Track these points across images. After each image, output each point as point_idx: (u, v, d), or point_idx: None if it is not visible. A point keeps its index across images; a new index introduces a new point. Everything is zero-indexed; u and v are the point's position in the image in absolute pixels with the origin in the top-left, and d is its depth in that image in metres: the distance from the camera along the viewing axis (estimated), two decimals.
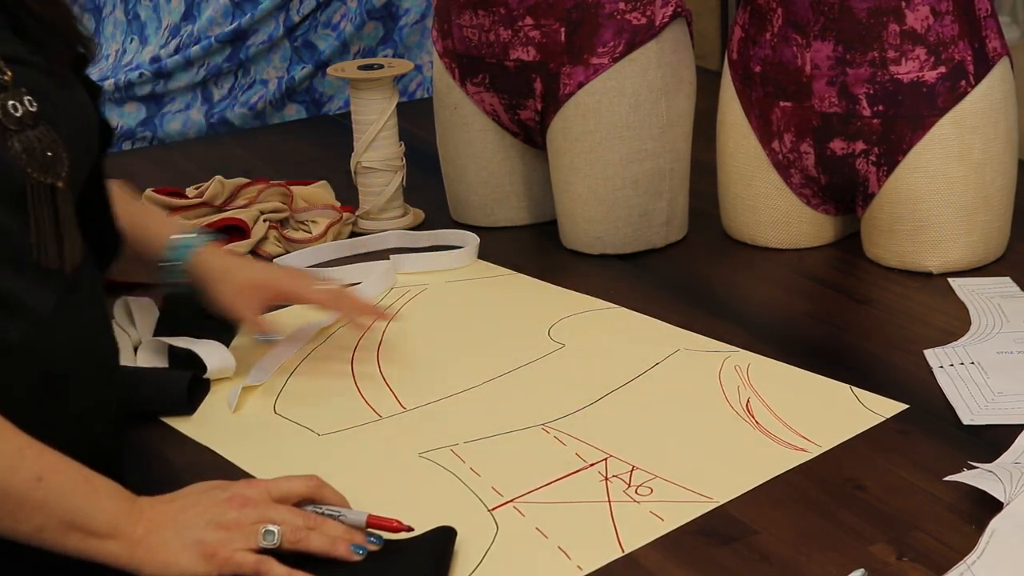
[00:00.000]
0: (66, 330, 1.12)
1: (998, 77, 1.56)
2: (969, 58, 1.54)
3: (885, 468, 1.18)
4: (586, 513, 1.14)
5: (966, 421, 1.24)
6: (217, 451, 1.26)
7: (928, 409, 1.28)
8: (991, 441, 1.20)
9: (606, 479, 1.18)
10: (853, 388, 1.33)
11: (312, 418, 1.31)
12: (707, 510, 1.13)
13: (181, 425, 1.31)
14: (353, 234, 1.78)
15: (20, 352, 1.08)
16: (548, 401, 1.33)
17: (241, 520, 1.06)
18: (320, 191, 1.84)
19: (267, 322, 1.38)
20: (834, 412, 1.29)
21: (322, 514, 1.09)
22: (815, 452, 1.22)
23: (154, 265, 1.39)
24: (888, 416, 1.27)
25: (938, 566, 1.03)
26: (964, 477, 1.11)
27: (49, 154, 1.09)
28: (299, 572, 1.05)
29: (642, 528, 1.11)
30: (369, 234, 1.76)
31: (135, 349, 1.43)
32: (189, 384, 1.34)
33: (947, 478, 1.12)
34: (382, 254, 1.70)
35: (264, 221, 1.72)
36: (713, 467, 1.20)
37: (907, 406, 1.29)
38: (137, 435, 1.29)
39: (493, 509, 1.14)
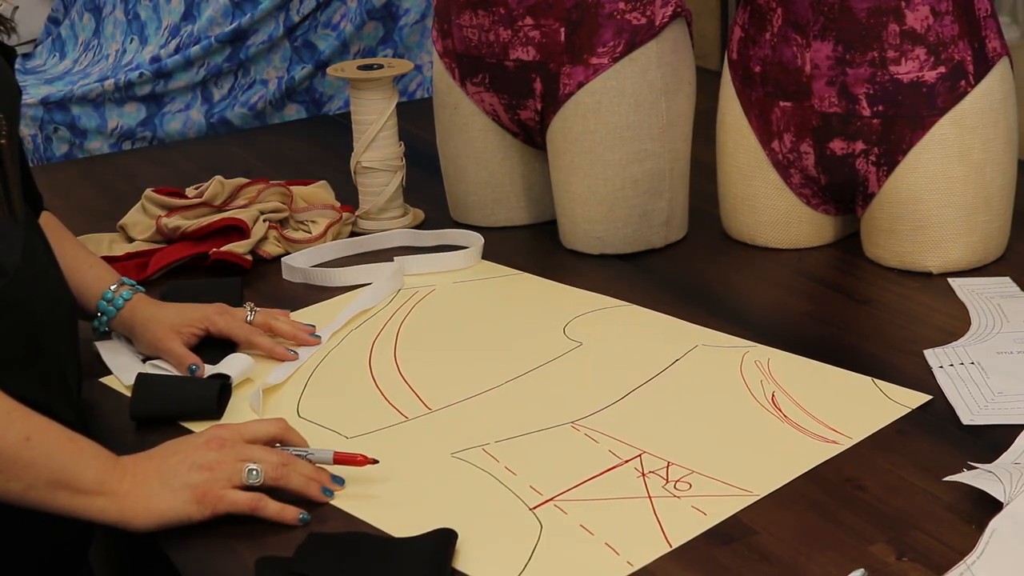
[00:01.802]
0: (34, 279, 1.16)
1: (998, 77, 1.56)
2: (969, 58, 1.54)
3: (885, 468, 1.18)
4: (628, 509, 1.14)
5: (966, 421, 1.24)
6: None
7: (928, 409, 1.28)
8: (991, 441, 1.20)
9: (643, 475, 1.19)
10: (875, 380, 1.34)
11: (338, 421, 1.31)
12: (748, 504, 1.14)
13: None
14: (353, 234, 1.78)
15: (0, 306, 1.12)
16: (574, 399, 1.33)
17: (222, 460, 1.11)
18: (320, 191, 1.84)
19: (193, 357, 1.39)
20: (859, 404, 1.30)
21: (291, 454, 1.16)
22: (846, 444, 1.23)
23: (81, 314, 1.40)
24: (913, 407, 1.28)
25: (938, 566, 1.03)
26: (964, 477, 1.11)
27: None
28: (290, 507, 1.11)
29: (686, 523, 1.12)
30: (370, 234, 1.76)
31: (144, 361, 1.43)
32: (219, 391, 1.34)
33: (947, 478, 1.12)
34: (387, 254, 1.70)
35: (264, 221, 1.71)
36: (748, 461, 1.21)
37: (931, 397, 1.29)
38: (148, 438, 1.29)
39: (535, 508, 1.15)
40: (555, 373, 1.40)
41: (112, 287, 1.42)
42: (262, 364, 1.41)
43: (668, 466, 1.20)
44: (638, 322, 1.51)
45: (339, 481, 1.16)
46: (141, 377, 1.33)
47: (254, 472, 1.12)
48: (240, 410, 1.33)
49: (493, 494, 1.17)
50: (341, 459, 1.17)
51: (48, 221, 1.38)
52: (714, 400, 1.32)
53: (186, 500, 1.09)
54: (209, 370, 1.38)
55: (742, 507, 1.13)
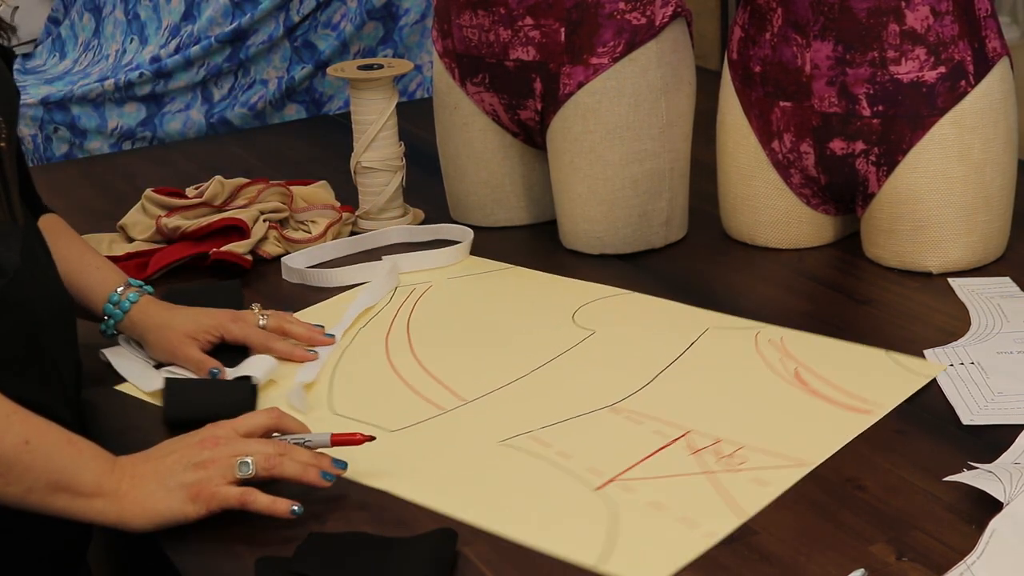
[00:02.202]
0: (33, 280, 1.16)
1: (998, 77, 1.56)
2: (969, 58, 1.54)
3: (885, 468, 1.18)
4: (691, 485, 1.16)
5: (966, 421, 1.24)
6: None
7: (928, 409, 1.28)
8: (991, 441, 1.20)
9: (696, 452, 1.21)
10: (890, 352, 1.37)
11: (375, 416, 1.31)
12: (806, 473, 1.17)
13: None
14: (353, 234, 1.78)
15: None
16: (604, 384, 1.35)
17: (216, 457, 1.12)
18: (320, 191, 1.84)
19: (213, 361, 1.38)
20: (880, 375, 1.33)
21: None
22: (879, 413, 1.26)
23: (88, 316, 1.40)
24: (932, 376, 1.31)
25: (938, 566, 1.03)
26: (964, 477, 1.11)
27: None
28: (282, 500, 1.11)
29: (753, 494, 1.14)
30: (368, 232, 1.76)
31: (156, 367, 1.42)
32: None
33: (947, 478, 1.12)
34: (385, 251, 1.71)
35: (264, 221, 1.71)
36: (792, 433, 1.23)
37: (947, 366, 1.32)
38: (141, 438, 1.29)
39: (599, 488, 1.16)
40: (577, 360, 1.41)
41: (118, 289, 1.40)
42: (284, 365, 1.41)
43: (718, 442, 1.22)
44: (643, 309, 1.53)
45: (341, 465, 1.16)
46: (171, 383, 1.32)
47: (245, 465, 1.12)
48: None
49: (554, 477, 1.18)
50: (339, 440, 1.17)
51: (54, 223, 1.38)
52: (741, 378, 1.35)
53: (182, 499, 1.10)
54: (229, 373, 1.37)
55: (801, 476, 1.16)
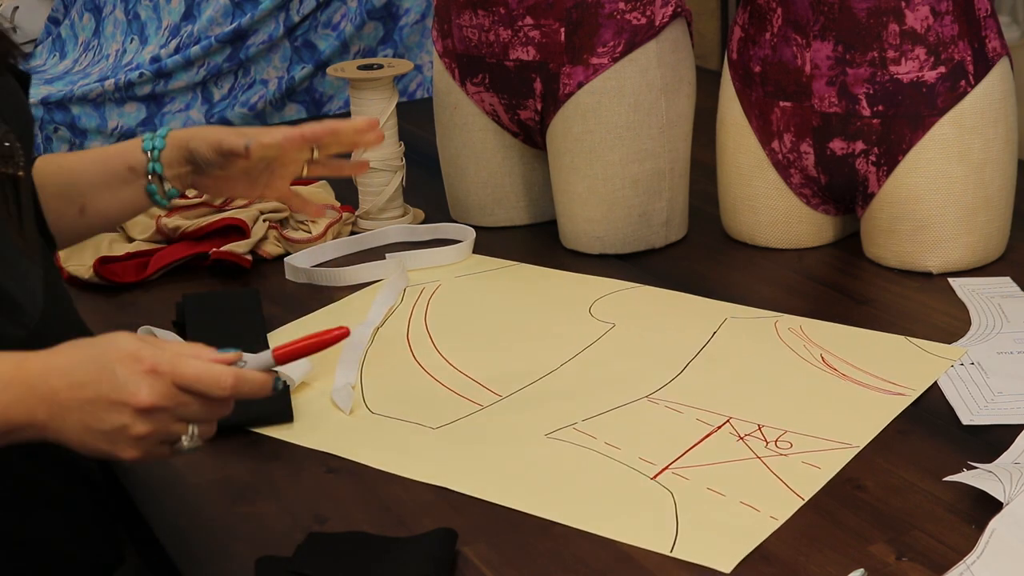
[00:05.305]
0: (60, 322, 1.12)
1: (998, 77, 1.56)
2: (969, 58, 1.54)
3: (885, 468, 1.18)
4: (744, 470, 1.17)
5: (966, 421, 1.24)
6: (349, 457, 1.23)
7: (928, 409, 1.28)
8: (991, 441, 1.20)
9: (741, 438, 1.22)
10: (909, 338, 1.39)
11: (414, 414, 1.31)
12: (853, 456, 1.19)
13: (285, 433, 1.29)
14: (353, 234, 1.78)
15: (21, 348, 1.04)
16: (636, 375, 1.35)
17: (151, 433, 0.99)
18: (320, 191, 1.84)
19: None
20: (905, 360, 1.35)
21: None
22: (912, 396, 1.28)
23: (128, 173, 1.30)
24: (955, 360, 1.34)
25: (938, 566, 1.03)
26: (964, 477, 1.11)
27: (7, 144, 1.07)
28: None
29: (805, 477, 1.15)
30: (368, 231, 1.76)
31: None
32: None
33: (947, 478, 1.13)
34: (386, 250, 1.70)
35: (264, 221, 1.72)
36: (832, 417, 1.25)
37: (965, 350, 1.35)
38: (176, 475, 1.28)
39: (655, 477, 1.17)
40: (605, 353, 1.42)
41: (145, 135, 1.32)
42: (318, 366, 1.39)
43: (760, 428, 1.23)
44: (657, 301, 1.54)
45: (279, 383, 1.05)
46: None
47: (180, 448, 1.01)
48: (302, 412, 1.31)
49: (608, 468, 1.19)
50: (289, 353, 1.03)
51: (45, 162, 1.29)
52: (770, 365, 1.36)
53: (112, 449, 0.99)
54: (249, 360, 1.34)
55: (850, 459, 1.18)
